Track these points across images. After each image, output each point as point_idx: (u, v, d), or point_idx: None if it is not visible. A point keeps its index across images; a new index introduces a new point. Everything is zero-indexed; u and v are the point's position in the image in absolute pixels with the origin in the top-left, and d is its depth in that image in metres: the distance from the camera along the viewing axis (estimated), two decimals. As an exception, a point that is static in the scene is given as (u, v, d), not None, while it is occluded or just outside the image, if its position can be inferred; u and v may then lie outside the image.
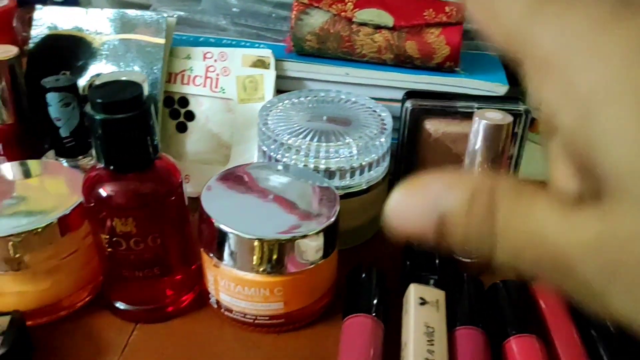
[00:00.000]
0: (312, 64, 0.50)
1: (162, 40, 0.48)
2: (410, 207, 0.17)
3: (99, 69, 0.49)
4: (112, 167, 0.34)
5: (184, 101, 0.50)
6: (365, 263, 0.40)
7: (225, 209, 0.36)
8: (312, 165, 0.42)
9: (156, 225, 0.36)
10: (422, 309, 0.36)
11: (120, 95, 0.33)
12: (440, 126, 0.46)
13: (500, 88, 0.49)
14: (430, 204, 0.17)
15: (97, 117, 0.33)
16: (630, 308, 0.15)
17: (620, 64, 0.14)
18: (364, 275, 0.40)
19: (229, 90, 0.50)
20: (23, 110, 0.46)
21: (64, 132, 0.44)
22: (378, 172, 0.44)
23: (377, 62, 0.50)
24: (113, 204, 0.35)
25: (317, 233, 0.35)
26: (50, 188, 0.40)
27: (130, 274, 0.36)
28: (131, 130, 0.33)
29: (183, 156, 0.51)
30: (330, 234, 0.36)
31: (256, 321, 0.37)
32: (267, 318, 0.37)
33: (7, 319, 0.35)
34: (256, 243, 0.34)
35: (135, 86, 0.34)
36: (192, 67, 0.50)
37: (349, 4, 0.48)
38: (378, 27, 0.48)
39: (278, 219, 0.36)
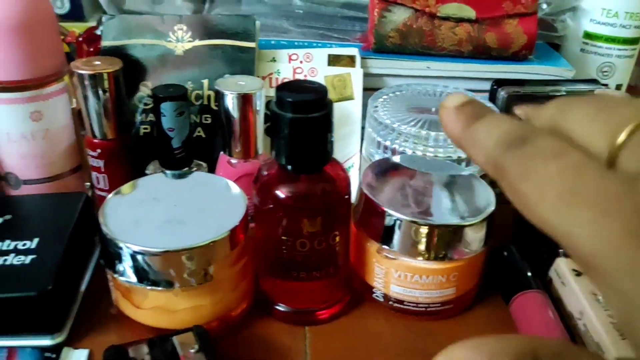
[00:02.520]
0: (394, 60, 0.51)
1: (253, 44, 0.48)
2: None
3: (182, 77, 0.48)
4: (290, 167, 0.34)
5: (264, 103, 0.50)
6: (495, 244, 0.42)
7: (392, 201, 0.37)
8: (432, 154, 0.43)
9: (337, 223, 0.36)
10: (581, 280, 0.38)
11: (307, 96, 0.33)
12: (529, 111, 0.49)
13: (568, 72, 0.52)
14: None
15: (287, 115, 0.32)
16: None
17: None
18: (505, 253, 0.41)
19: (317, 90, 0.50)
20: (124, 124, 0.44)
21: (175, 143, 0.43)
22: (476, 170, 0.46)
23: (454, 55, 0.52)
24: (299, 204, 0.34)
25: (483, 220, 0.37)
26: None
27: (308, 275, 0.36)
28: (316, 129, 0.33)
29: (275, 160, 0.50)
30: (492, 219, 0.38)
31: (428, 309, 0.38)
32: (438, 305, 0.38)
33: (190, 335, 0.34)
34: (438, 230, 0.35)
35: (318, 87, 0.33)
36: (279, 70, 0.50)
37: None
38: (460, 21, 0.50)
39: (443, 207, 0.37)
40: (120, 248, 0.33)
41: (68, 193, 0.43)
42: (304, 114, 0.32)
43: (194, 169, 0.45)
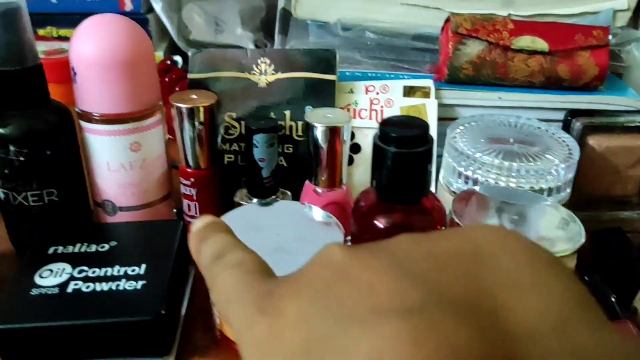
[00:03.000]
0: (467, 91, 0.53)
1: (333, 77, 0.50)
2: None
3: (265, 108, 0.50)
4: (389, 199, 0.35)
5: (350, 134, 0.52)
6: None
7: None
8: (513, 185, 0.44)
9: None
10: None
11: (410, 131, 0.34)
12: (602, 141, 0.50)
13: (638, 103, 0.53)
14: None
15: (390, 149, 0.34)
16: None
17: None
18: (589, 281, 0.42)
19: (394, 120, 0.51)
20: (215, 155, 0.46)
21: (265, 173, 0.45)
22: (561, 197, 0.47)
23: (526, 85, 0.53)
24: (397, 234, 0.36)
25: (573, 253, 0.38)
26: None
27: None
28: (418, 164, 0.35)
29: (352, 188, 0.52)
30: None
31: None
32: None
33: None
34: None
35: (421, 123, 0.35)
36: (357, 101, 0.52)
37: (505, 32, 0.51)
38: (533, 53, 0.51)
39: (532, 238, 0.38)
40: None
41: (166, 221, 0.45)
42: (408, 149, 0.34)
43: (280, 197, 0.47)
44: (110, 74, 0.41)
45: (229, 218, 0.40)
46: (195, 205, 0.47)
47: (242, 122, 0.50)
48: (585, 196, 0.52)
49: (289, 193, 0.47)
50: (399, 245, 0.19)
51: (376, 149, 0.35)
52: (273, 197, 0.46)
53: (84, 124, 0.44)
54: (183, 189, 0.47)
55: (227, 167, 0.50)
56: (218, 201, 0.47)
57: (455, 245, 0.18)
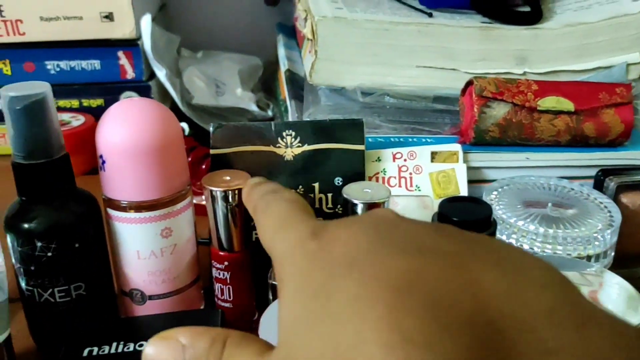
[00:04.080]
0: (494, 153, 0.52)
1: (362, 147, 0.49)
2: (161, 355, 0.22)
3: (292, 182, 0.48)
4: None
5: (379, 203, 0.50)
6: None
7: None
8: (549, 252, 0.43)
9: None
10: None
11: (473, 215, 0.33)
12: (636, 198, 0.50)
13: (663, 157, 0.53)
14: (178, 354, 0.22)
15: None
16: None
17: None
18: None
19: (423, 187, 0.50)
20: (249, 237, 0.45)
21: (302, 252, 0.43)
22: (606, 262, 0.46)
23: (552, 145, 0.53)
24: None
25: None
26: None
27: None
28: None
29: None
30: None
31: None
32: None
33: None
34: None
35: (484, 205, 0.34)
36: (385, 169, 0.50)
37: (529, 94, 0.51)
38: (559, 113, 0.51)
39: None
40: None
41: (204, 310, 0.43)
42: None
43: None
44: (142, 161, 0.40)
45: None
46: (229, 288, 0.44)
47: (270, 198, 0.48)
48: (621, 253, 0.51)
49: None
50: (440, 224, 0.23)
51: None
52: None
53: (112, 212, 0.42)
54: (215, 273, 0.45)
55: (255, 244, 0.48)
56: (252, 282, 0.45)
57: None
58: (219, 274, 0.44)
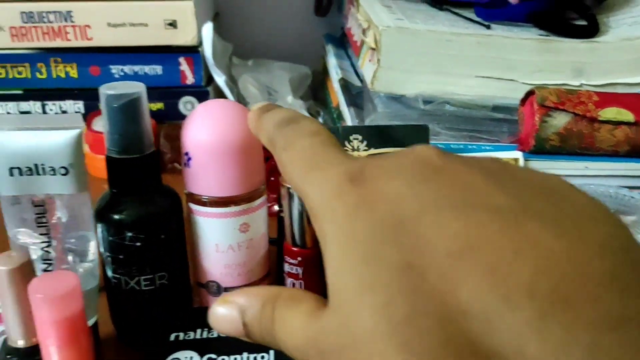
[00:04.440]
0: (554, 161, 0.54)
1: (427, 152, 0.50)
2: (224, 318, 0.23)
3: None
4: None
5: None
6: None
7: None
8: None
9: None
10: None
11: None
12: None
13: None
14: (236, 315, 0.23)
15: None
16: None
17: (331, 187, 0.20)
18: None
19: (485, 192, 0.52)
20: (320, 232, 0.46)
21: (372, 250, 0.45)
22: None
23: (610, 154, 0.54)
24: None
25: None
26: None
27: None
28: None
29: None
30: None
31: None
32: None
33: None
34: None
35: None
36: (448, 174, 0.52)
37: (590, 104, 0.52)
38: (619, 123, 0.52)
39: None
40: None
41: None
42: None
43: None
44: (226, 159, 0.42)
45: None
46: (300, 283, 0.46)
47: (338, 198, 0.50)
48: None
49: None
50: (490, 163, 0.20)
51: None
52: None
53: (194, 206, 0.44)
54: (288, 268, 0.47)
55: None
56: (322, 279, 0.47)
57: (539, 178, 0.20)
58: (292, 269, 0.46)
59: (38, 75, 0.77)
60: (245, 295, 0.23)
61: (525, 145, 0.54)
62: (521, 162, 0.52)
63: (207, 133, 0.42)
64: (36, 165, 0.37)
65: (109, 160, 0.41)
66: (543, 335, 0.15)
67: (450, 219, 0.17)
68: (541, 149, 0.54)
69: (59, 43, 0.75)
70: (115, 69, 0.77)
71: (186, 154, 0.43)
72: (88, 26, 0.74)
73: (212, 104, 0.44)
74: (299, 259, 0.46)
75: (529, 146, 0.54)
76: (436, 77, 0.59)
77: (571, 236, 0.16)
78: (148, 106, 0.41)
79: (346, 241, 0.19)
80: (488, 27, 0.62)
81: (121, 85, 0.40)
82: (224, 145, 0.42)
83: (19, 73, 0.76)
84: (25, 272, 0.34)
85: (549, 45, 0.59)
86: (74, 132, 0.38)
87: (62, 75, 0.77)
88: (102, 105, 0.40)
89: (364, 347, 0.17)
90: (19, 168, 0.37)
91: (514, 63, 0.59)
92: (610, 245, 0.16)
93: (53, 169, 0.38)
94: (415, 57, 0.58)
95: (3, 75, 0.76)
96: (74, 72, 0.77)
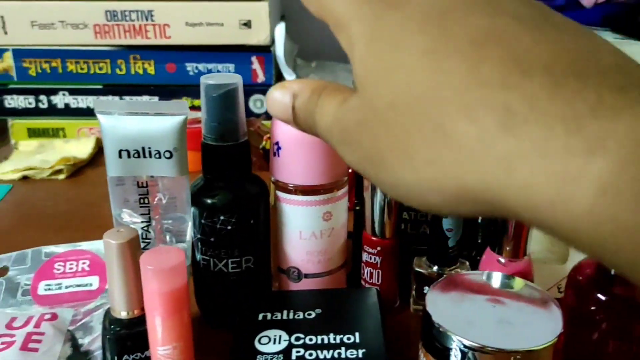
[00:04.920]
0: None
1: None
2: (279, 101, 0.27)
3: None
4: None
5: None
6: None
7: None
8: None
9: None
10: None
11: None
12: None
13: None
14: (288, 100, 0.27)
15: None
16: (356, 162, 0.24)
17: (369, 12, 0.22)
18: None
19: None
20: (400, 225, 0.48)
21: (451, 242, 0.46)
22: None
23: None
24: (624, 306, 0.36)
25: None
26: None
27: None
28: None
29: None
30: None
31: None
32: None
33: None
34: None
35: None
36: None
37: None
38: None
39: None
40: (453, 342, 0.36)
41: (360, 288, 0.47)
42: None
43: (459, 266, 0.48)
44: (314, 149, 0.44)
45: (446, 284, 0.41)
46: (378, 272, 0.48)
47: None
48: None
49: (466, 262, 0.48)
50: None
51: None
52: (453, 267, 0.47)
53: (281, 194, 0.46)
54: (366, 257, 0.48)
55: (404, 233, 0.52)
56: (398, 269, 0.49)
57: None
58: (371, 258, 0.48)
59: (117, 71, 0.80)
60: (299, 83, 0.27)
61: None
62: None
63: (298, 124, 0.44)
64: (143, 149, 0.40)
65: (205, 147, 0.43)
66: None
67: (475, 17, 0.19)
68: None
69: (139, 41, 0.79)
70: (190, 67, 0.80)
71: (276, 143, 0.45)
72: (167, 25, 0.78)
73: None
74: (378, 248, 0.47)
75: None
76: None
77: (586, 38, 0.20)
78: (243, 98, 0.44)
79: (374, 35, 0.21)
80: (562, 29, 0.63)
81: (220, 76, 0.42)
82: (312, 136, 0.44)
83: (100, 69, 0.80)
84: (132, 247, 0.37)
85: (624, 48, 0.59)
86: (179, 118, 0.40)
87: (140, 71, 0.80)
88: (202, 94, 0.42)
89: (383, 117, 0.21)
90: (127, 151, 0.40)
91: (589, 65, 0.59)
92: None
93: (159, 153, 0.40)
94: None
95: (85, 71, 0.80)
96: (151, 69, 0.80)
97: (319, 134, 0.26)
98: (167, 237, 0.43)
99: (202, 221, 0.44)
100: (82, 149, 0.80)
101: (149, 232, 0.43)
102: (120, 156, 0.40)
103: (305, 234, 0.46)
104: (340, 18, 0.23)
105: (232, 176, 0.44)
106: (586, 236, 0.17)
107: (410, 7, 0.21)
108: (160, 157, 0.40)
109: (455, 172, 0.19)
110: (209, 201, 0.44)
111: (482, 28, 0.19)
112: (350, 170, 0.48)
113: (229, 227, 0.44)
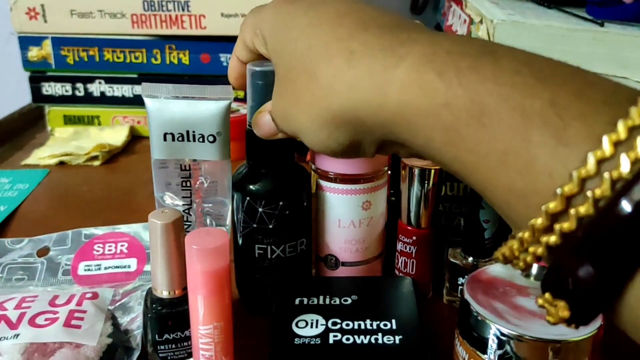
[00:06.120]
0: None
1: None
2: (263, 122, 0.37)
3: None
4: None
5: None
6: None
7: None
8: None
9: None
10: None
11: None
12: None
13: None
14: (268, 117, 0.36)
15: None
16: (286, 129, 0.34)
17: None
18: None
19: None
20: (435, 216, 0.48)
21: (488, 234, 0.46)
22: None
23: None
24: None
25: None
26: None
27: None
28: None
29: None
30: None
31: None
32: None
33: None
34: None
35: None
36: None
37: None
38: None
39: None
40: (490, 330, 0.36)
41: (396, 277, 0.47)
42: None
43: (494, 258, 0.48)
44: (355, 137, 0.44)
45: (483, 274, 0.41)
46: (413, 262, 0.48)
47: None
48: None
49: (502, 255, 0.48)
50: None
51: None
52: (487, 259, 0.47)
53: (322, 182, 0.46)
54: (401, 247, 0.48)
55: (438, 224, 0.52)
56: (433, 260, 0.49)
57: None
58: (406, 247, 0.48)
59: (153, 60, 0.82)
60: (269, 103, 0.36)
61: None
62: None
63: (339, 112, 0.44)
64: (187, 132, 0.41)
65: (249, 133, 0.44)
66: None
67: (340, 2, 0.30)
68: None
69: (174, 31, 0.80)
70: (224, 57, 0.81)
71: (316, 131, 0.45)
72: (203, 16, 0.79)
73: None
74: (414, 238, 0.47)
75: None
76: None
77: None
78: (285, 84, 0.44)
79: (275, 25, 0.33)
80: (602, 24, 0.62)
81: (267, 63, 0.43)
82: (353, 124, 0.44)
83: (136, 58, 0.82)
84: (176, 227, 0.37)
85: (666, 44, 0.58)
86: (224, 103, 0.41)
87: (175, 61, 0.81)
88: (248, 81, 0.43)
89: (285, 81, 0.31)
90: (172, 134, 0.41)
91: (628, 61, 0.59)
92: None
93: (202, 136, 0.41)
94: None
95: (121, 60, 0.82)
96: (186, 59, 0.81)
97: (291, 132, 0.33)
98: (208, 220, 0.44)
99: (260, 209, 0.44)
100: (116, 136, 0.82)
101: (190, 215, 0.43)
102: (165, 139, 0.41)
103: (344, 222, 0.46)
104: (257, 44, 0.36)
105: (274, 163, 0.45)
106: (399, 124, 0.26)
107: (298, 1, 0.31)
108: (203, 141, 0.41)
109: (325, 104, 0.28)
110: (251, 187, 0.44)
111: (342, 8, 0.29)
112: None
113: (287, 212, 0.44)
